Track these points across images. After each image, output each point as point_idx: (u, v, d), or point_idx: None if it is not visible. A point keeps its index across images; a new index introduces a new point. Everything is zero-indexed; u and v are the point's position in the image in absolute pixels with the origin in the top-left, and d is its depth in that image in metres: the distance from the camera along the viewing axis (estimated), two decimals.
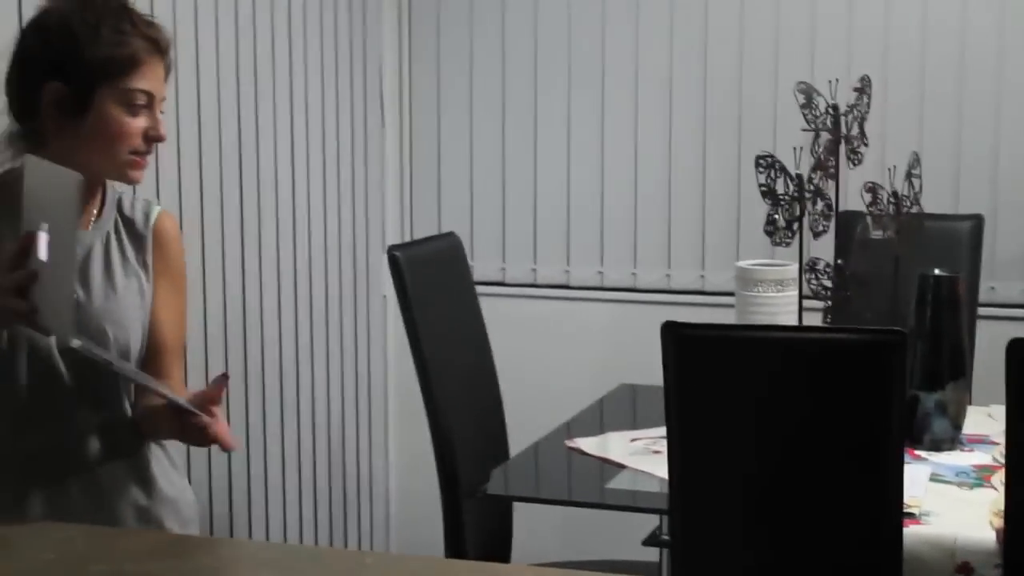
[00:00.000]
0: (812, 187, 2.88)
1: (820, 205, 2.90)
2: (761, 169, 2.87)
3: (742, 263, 2.94)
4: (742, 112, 3.93)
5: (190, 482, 2.31)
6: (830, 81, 2.94)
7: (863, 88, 2.97)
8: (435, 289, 3.07)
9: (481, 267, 4.14)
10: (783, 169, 2.88)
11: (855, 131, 2.95)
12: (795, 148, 2.94)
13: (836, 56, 3.78)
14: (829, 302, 2.90)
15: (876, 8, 3.79)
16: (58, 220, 1.79)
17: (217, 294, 3.33)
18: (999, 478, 2.37)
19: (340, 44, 3.91)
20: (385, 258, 3.11)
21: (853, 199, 3.02)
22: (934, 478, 2.52)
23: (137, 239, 2.10)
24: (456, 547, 2.94)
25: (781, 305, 2.84)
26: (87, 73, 1.96)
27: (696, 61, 3.96)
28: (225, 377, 1.97)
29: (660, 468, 2.38)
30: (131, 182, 2.07)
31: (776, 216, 2.87)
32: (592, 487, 2.74)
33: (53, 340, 1.95)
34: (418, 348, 2.94)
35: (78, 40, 1.97)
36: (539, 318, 4.16)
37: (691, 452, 2.19)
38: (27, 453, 2.00)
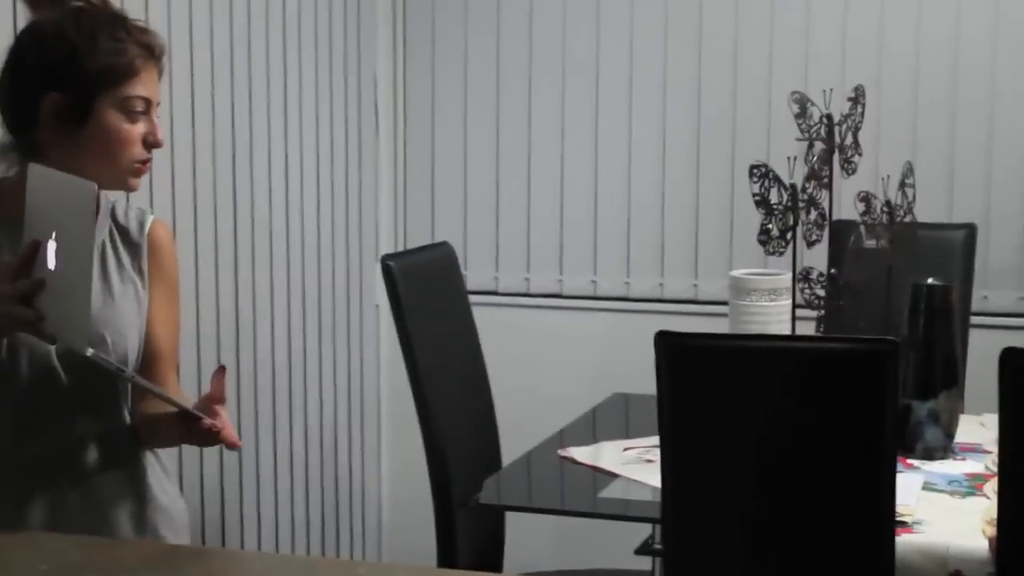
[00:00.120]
0: (806, 196, 2.89)
1: (814, 214, 2.91)
2: (755, 178, 2.88)
3: (735, 272, 2.94)
4: (736, 122, 3.93)
5: (182, 489, 2.31)
6: (824, 91, 2.95)
7: (857, 98, 2.97)
8: (428, 298, 3.07)
9: (474, 276, 4.14)
10: (777, 178, 2.89)
11: (849, 141, 2.96)
12: (789, 158, 2.94)
13: (830, 66, 3.79)
14: (822, 311, 2.91)
15: (870, 19, 3.80)
16: (71, 229, 1.78)
17: (210, 303, 3.32)
18: (992, 487, 2.38)
19: (335, 53, 3.91)
20: (378, 267, 3.11)
21: (847, 208, 3.02)
22: (927, 487, 2.52)
23: (132, 247, 2.10)
24: (448, 556, 2.94)
25: (774, 314, 2.84)
26: (86, 82, 1.96)
27: (690, 71, 3.96)
28: (223, 369, 1.97)
29: (653, 477, 2.38)
30: (130, 190, 2.07)
31: (770, 225, 2.88)
32: (585, 496, 2.74)
33: (53, 349, 1.95)
34: (411, 357, 2.94)
35: (76, 50, 1.96)
36: (532, 327, 4.16)
37: (684, 461, 2.19)
38: (26, 460, 2.00)
